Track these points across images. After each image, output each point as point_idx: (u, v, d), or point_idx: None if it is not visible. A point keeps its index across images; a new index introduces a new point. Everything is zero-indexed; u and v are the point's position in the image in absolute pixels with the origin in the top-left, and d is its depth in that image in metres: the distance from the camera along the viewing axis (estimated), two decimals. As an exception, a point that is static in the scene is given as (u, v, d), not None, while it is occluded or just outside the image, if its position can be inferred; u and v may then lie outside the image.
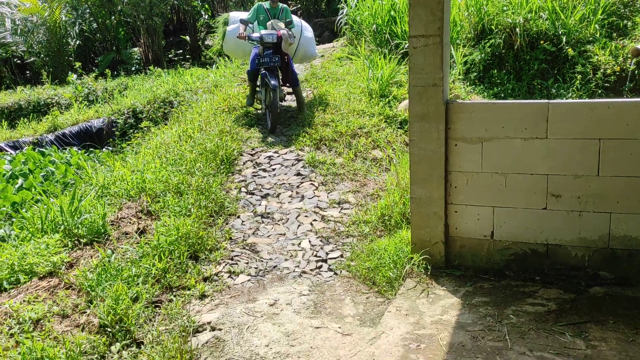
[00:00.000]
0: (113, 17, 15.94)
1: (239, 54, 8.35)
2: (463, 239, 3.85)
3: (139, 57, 15.52)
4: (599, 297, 3.33)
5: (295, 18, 7.96)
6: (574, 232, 3.57)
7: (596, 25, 7.78)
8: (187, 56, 16.18)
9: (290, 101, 8.07)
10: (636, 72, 7.13)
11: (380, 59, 8.04)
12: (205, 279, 3.90)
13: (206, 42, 16.59)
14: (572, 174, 3.50)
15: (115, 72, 14.16)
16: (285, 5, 7.49)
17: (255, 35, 6.96)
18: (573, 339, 2.87)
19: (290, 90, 7.73)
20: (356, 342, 3.02)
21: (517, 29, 7.78)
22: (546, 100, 3.58)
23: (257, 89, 7.34)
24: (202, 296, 3.68)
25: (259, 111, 7.59)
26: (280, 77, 7.19)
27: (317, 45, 13.71)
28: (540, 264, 3.68)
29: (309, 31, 8.34)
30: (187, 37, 16.42)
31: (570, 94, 7.27)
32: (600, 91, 7.21)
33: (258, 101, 7.46)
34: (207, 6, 17.47)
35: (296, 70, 7.88)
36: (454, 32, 8.58)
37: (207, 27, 17.23)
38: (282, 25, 7.07)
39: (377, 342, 2.96)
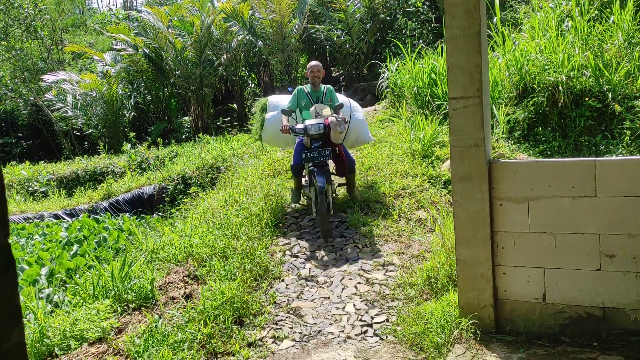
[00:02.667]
0: (166, 89, 16.85)
1: (280, 143, 7.24)
2: (513, 302, 3.71)
3: (188, 126, 16.22)
4: (666, 365, 3.10)
5: (342, 98, 6.97)
6: (632, 294, 3.39)
7: (642, 80, 7.65)
8: (235, 123, 16.80)
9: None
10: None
11: (422, 120, 8.11)
12: (249, 345, 3.88)
13: (252, 110, 17.22)
14: (625, 233, 3.37)
15: (167, 141, 14.80)
16: (328, 86, 6.48)
17: (299, 126, 5.95)
18: (639, 411, 2.67)
19: (342, 180, 6.71)
20: (404, 413, 2.90)
21: (560, 87, 7.73)
22: (593, 158, 3.51)
23: (304, 183, 6.51)
24: (247, 362, 3.65)
25: (309, 214, 6.38)
26: (334, 169, 6.38)
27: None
28: (598, 328, 3.49)
29: (359, 112, 7.02)
30: (235, 105, 17.10)
31: (619, 150, 7.08)
32: (652, 146, 6.99)
33: (305, 197, 6.54)
34: (253, 75, 18.25)
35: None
36: (495, 91, 8.61)
37: (254, 94, 17.94)
38: (327, 110, 6.02)
39: (425, 413, 2.83)
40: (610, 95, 7.55)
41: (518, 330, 3.68)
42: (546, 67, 8.20)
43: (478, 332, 3.62)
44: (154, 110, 17.51)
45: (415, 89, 9.64)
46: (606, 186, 3.39)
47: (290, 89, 18.51)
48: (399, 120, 9.03)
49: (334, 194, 6.42)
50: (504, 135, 8.10)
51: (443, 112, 8.72)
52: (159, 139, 14.24)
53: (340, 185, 6.77)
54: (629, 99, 7.55)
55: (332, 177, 6.32)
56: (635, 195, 3.32)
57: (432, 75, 9.58)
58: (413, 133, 7.91)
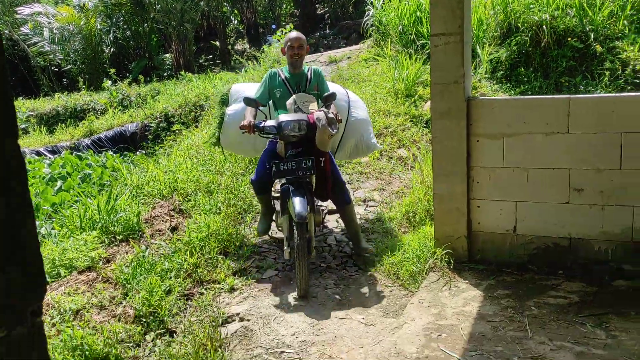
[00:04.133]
0: (146, 24, 16.38)
1: (246, 150, 4.90)
2: (486, 233, 3.90)
3: (170, 63, 15.91)
4: (622, 290, 3.34)
5: (337, 88, 4.76)
6: (597, 226, 3.59)
7: (625, 21, 7.67)
8: (217, 61, 16.51)
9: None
10: (667, 67, 7.01)
11: (406, 60, 8.10)
12: (234, 273, 4.05)
13: (235, 47, 16.89)
14: (594, 168, 3.53)
15: (148, 78, 14.55)
16: (315, 68, 4.40)
17: (270, 123, 3.91)
18: (593, 329, 2.91)
19: (333, 207, 4.61)
20: (379, 332, 3.12)
21: (544, 27, 7.73)
22: (567, 95, 3.61)
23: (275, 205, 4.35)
24: (232, 289, 3.82)
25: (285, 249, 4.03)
26: (314, 190, 4.02)
27: (344, 47, 13.89)
28: (564, 258, 3.71)
29: (361, 109, 4.78)
30: (217, 43, 16.75)
31: (598, 91, 7.20)
32: (629, 87, 7.11)
33: (279, 228, 4.40)
34: (236, 11, 17.79)
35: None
36: (479, 30, 8.58)
37: (237, 32, 17.55)
38: (314, 104, 4.06)
39: (399, 332, 3.05)
40: (592, 36, 7.58)
41: (489, 260, 3.89)
42: (531, 5, 8.15)
43: (452, 262, 3.82)
44: (134, 46, 17.08)
45: (400, 27, 9.54)
46: (578, 123, 3.51)
47: (274, 26, 18.11)
48: (384, 59, 8.99)
49: (323, 222, 4.68)
50: (486, 76, 8.14)
51: (427, 51, 8.69)
52: (140, 76, 13.99)
53: (331, 212, 4.81)
54: (611, 39, 7.60)
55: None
56: (605, 131, 3.45)
57: (418, 13, 9.46)
58: (397, 72, 7.91)
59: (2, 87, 0.71)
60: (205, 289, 3.80)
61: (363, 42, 12.12)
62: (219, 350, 2.96)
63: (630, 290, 3.33)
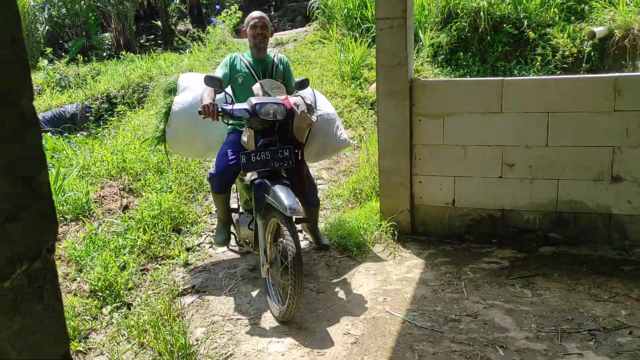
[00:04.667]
0: (82, 1, 15.79)
1: (196, 146, 4.05)
2: (427, 207, 4.17)
3: (110, 43, 15.44)
4: (548, 255, 3.69)
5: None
6: (526, 198, 3.92)
7: (555, 9, 8.17)
8: (159, 41, 16.15)
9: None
10: (592, 53, 7.55)
11: (351, 43, 8.30)
12: (188, 249, 4.15)
13: (178, 28, 16.56)
14: (524, 144, 3.85)
15: (87, 58, 14.09)
16: (281, 55, 3.90)
17: (241, 106, 3.23)
18: (521, 289, 3.23)
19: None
20: (329, 298, 3.32)
21: (482, 13, 8.11)
22: (501, 78, 3.91)
23: (236, 213, 3.83)
24: (186, 264, 3.93)
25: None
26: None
27: (290, 29, 13.94)
28: (497, 228, 4.03)
29: (326, 105, 4.28)
30: (159, 22, 16.37)
31: (531, 74, 7.65)
32: (559, 72, 7.60)
33: (243, 241, 3.73)
34: (178, -10, 17.40)
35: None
36: (421, 15, 8.88)
37: (179, 12, 17.20)
38: (282, 90, 3.49)
39: (348, 297, 3.27)
40: (525, 23, 8.02)
41: (430, 232, 4.17)
42: (470, -7, 8.51)
43: (396, 234, 4.07)
44: (70, 25, 16.43)
45: (345, 10, 9.71)
46: (510, 103, 3.81)
47: (217, 7, 17.76)
48: (330, 42, 9.15)
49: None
50: (428, 59, 8.46)
51: (372, 34, 8.91)
52: (78, 55, 13.52)
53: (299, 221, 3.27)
54: (542, 26, 8.07)
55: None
56: (533, 111, 3.77)
57: (362, -4, 9.65)
58: (343, 55, 8.09)
59: (19, 51, 0.82)
60: (160, 265, 3.89)
61: (309, 25, 12.21)
62: (177, 319, 3.08)
63: (554, 255, 3.69)
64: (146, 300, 3.34)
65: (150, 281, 3.63)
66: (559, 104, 3.71)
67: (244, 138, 3.41)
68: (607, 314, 2.91)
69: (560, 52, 7.70)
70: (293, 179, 3.28)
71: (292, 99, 3.30)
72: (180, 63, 10.72)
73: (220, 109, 3.18)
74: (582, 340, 2.68)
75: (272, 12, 17.30)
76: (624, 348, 2.60)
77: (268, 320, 3.09)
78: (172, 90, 4.12)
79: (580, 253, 3.69)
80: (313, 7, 11.37)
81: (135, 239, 4.02)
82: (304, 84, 3.63)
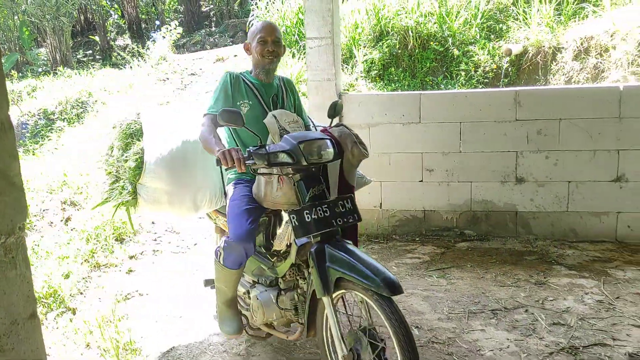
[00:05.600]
0: (16, 17, 15.47)
1: (182, 204, 2.89)
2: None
3: (46, 58, 15.18)
4: (463, 250, 4.12)
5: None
6: (445, 199, 4.35)
7: (477, 28, 8.84)
8: (97, 57, 16.01)
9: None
10: (509, 69, 8.22)
11: (290, 59, 8.66)
12: (131, 257, 4.31)
13: (117, 43, 16.48)
14: (441, 151, 4.28)
15: (22, 74, 13.81)
16: (286, 77, 3.10)
17: (279, 147, 2.27)
18: (438, 279, 3.62)
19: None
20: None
21: (410, 32, 8.67)
22: (419, 91, 4.34)
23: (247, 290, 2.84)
24: (130, 271, 4.10)
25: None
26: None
27: (231, 45, 14.18)
28: (420, 227, 4.44)
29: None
30: (97, 37, 16.24)
31: (456, 89, 8.25)
32: (481, 86, 8.23)
33: (267, 325, 2.75)
34: (116, 5, 17.33)
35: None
36: (355, 33, 9.36)
37: (118, 27, 17.11)
38: (299, 122, 2.71)
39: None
40: (450, 41, 8.64)
41: (360, 233, 4.53)
42: (399, 12, 9.08)
43: (329, 236, 4.39)
44: (4, 40, 16.04)
45: (283, 28, 10.08)
46: (428, 114, 4.24)
47: (158, 22, 17.64)
48: (268, 57, 9.48)
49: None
50: (362, 75, 8.94)
51: (309, 51, 9.32)
52: (12, 71, 13.25)
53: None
54: (465, 44, 8.71)
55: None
56: (448, 121, 4.21)
57: (300, 15, 10.06)
58: (282, 72, 8.44)
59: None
60: (104, 272, 4.04)
61: (249, 41, 12.51)
62: (122, 319, 3.26)
63: (469, 249, 4.12)
64: (90, 305, 3.50)
65: (94, 288, 3.78)
66: (469, 114, 4.17)
67: (258, 189, 2.46)
68: (508, 296, 3.34)
69: (481, 68, 8.34)
70: (344, 233, 2.44)
71: (336, 131, 2.55)
72: (120, 79, 10.74)
73: (247, 155, 2.20)
74: (486, 319, 3.08)
75: (213, 28, 17.50)
76: (520, 323, 3.02)
77: (210, 314, 3.33)
78: (135, 134, 2.98)
79: (491, 247, 4.13)
80: (252, 23, 11.70)
81: (78, 250, 4.15)
82: (338, 108, 2.67)
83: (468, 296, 3.36)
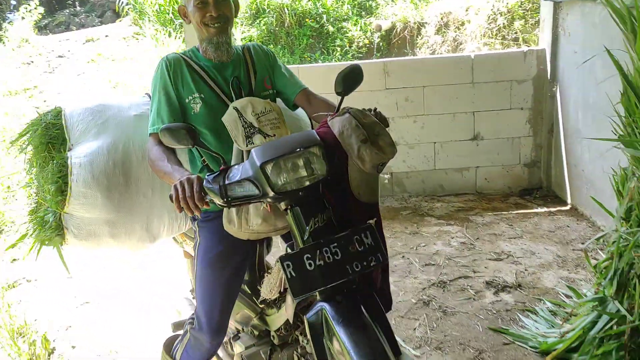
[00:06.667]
0: None
1: (115, 235, 2.03)
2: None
3: None
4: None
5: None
6: (327, 166, 4.66)
7: (348, 5, 9.26)
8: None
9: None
10: (380, 44, 8.75)
11: (166, 38, 8.49)
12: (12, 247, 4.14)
13: None
14: (321, 121, 4.56)
15: None
16: (253, 43, 2.09)
17: (239, 173, 1.46)
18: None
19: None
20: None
21: (286, 9, 8.88)
22: (297, 65, 4.56)
23: None
24: (14, 260, 3.95)
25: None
26: None
27: (99, 25, 13.44)
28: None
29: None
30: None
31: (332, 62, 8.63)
32: (355, 60, 8.69)
33: None
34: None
35: None
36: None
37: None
38: (277, 111, 1.85)
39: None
40: (325, 18, 8.98)
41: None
42: (274, -10, 9.24)
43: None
44: None
45: (157, 6, 9.81)
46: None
47: (13, 2, 16.34)
48: (144, 37, 9.21)
49: None
50: (242, 53, 9.01)
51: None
52: None
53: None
54: (339, 20, 9.11)
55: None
56: (326, 92, 4.49)
57: (173, -7, 9.84)
58: (159, 51, 8.26)
59: None
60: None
61: (120, 21, 11.99)
62: (13, 305, 3.19)
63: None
64: (-26, 297, 3.36)
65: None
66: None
67: (229, 217, 1.74)
68: (388, 246, 3.72)
69: (355, 43, 8.78)
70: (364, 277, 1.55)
71: (336, 124, 1.59)
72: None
73: (205, 187, 1.46)
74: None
75: (78, 8, 16.40)
76: (398, 267, 3.41)
77: (105, 291, 3.36)
78: (55, 140, 2.06)
79: (371, 206, 4.52)
80: (123, 2, 11.21)
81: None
82: (354, 77, 1.79)
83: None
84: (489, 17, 7.05)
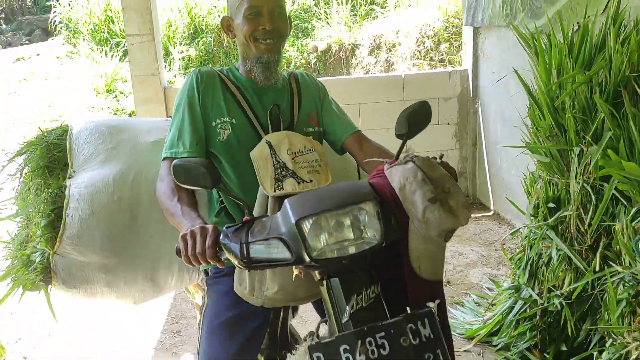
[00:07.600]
0: None
1: (114, 284, 1.69)
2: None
3: None
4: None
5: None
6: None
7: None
8: None
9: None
10: (317, 64, 9.11)
11: (102, 57, 8.46)
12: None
13: None
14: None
15: None
16: (301, 72, 1.76)
17: (265, 232, 1.11)
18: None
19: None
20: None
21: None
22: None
23: None
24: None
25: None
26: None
27: (28, 44, 13.08)
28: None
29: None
30: None
31: (271, 83, 8.89)
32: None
33: None
34: None
35: None
36: (170, 31, 9.47)
37: None
38: (317, 152, 1.55)
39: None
40: (262, 39, 9.26)
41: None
42: (212, 11, 9.43)
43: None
44: None
45: (92, 25, 9.75)
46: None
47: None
48: (79, 56, 9.12)
49: None
50: (181, 72, 9.10)
51: (122, 48, 9.18)
52: None
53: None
54: (277, 42, 9.40)
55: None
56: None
57: (108, 12, 9.81)
58: (95, 70, 8.22)
59: None
60: None
61: (52, 39, 11.74)
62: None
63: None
64: None
65: None
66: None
67: (241, 279, 1.45)
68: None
69: (293, 63, 9.09)
70: None
71: (396, 175, 1.18)
72: None
73: (221, 242, 1.16)
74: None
75: (4, 26, 15.86)
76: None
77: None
78: (56, 164, 1.77)
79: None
80: (55, 21, 11.02)
81: None
82: (422, 118, 1.47)
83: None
84: (418, 40, 7.57)
